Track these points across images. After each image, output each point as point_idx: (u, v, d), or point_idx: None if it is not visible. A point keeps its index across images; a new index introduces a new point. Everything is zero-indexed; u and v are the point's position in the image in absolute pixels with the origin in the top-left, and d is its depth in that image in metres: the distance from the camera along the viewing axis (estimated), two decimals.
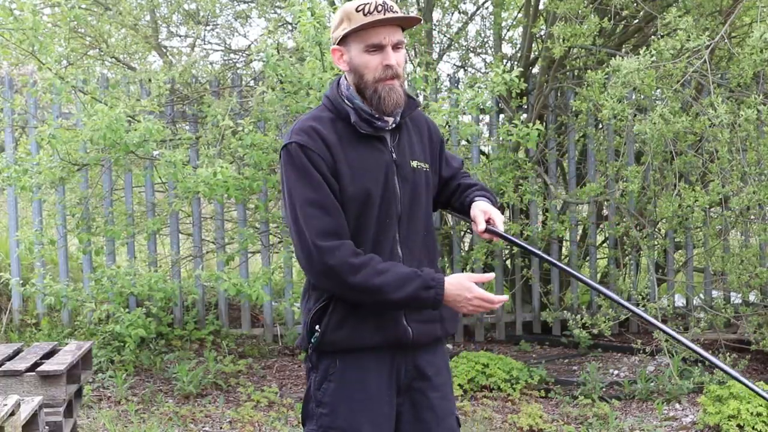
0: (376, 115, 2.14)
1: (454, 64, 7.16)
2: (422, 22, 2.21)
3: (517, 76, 4.53)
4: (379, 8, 2.06)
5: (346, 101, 2.16)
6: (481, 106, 4.86)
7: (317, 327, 2.15)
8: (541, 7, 5.85)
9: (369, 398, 2.17)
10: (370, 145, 2.16)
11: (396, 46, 2.11)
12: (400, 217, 2.17)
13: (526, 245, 2.35)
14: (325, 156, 2.09)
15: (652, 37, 5.53)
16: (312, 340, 2.16)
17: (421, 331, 2.18)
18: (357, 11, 2.07)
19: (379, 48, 2.09)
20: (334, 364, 2.16)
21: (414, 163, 2.21)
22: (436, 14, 6.65)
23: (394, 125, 2.18)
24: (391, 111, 2.13)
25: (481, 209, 2.24)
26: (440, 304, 2.09)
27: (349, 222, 2.10)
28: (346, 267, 2.04)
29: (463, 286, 2.08)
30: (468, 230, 6.08)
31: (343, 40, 2.13)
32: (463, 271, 5.56)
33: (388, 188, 2.15)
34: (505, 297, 2.20)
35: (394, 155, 2.18)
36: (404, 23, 2.14)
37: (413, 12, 6.38)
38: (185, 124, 5.80)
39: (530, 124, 4.77)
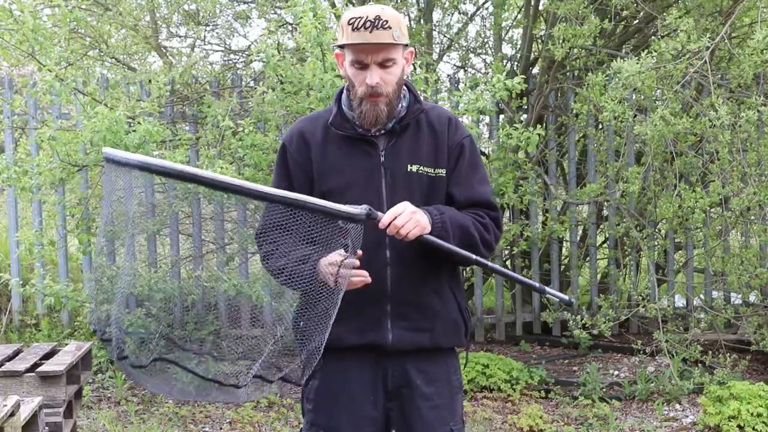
0: (358, 122, 2.16)
1: (455, 65, 7.17)
2: (406, 47, 2.15)
3: (518, 83, 4.51)
4: (368, 24, 2.04)
5: (343, 105, 2.19)
6: (481, 109, 4.86)
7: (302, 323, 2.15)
8: (541, 7, 5.85)
9: (350, 398, 2.18)
10: (356, 147, 2.17)
11: (383, 64, 2.08)
12: None
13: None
14: (299, 156, 2.19)
15: (653, 37, 5.54)
16: None
17: (403, 338, 2.16)
18: (349, 24, 2.06)
19: (363, 65, 2.09)
20: (320, 361, 2.16)
21: (412, 167, 2.15)
22: (436, 15, 6.66)
23: (382, 131, 2.16)
24: (369, 127, 2.15)
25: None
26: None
27: None
28: (262, 252, 2.18)
29: (326, 259, 2.00)
30: None
31: (341, 47, 2.14)
32: (462, 275, 5.55)
33: (371, 190, 2.12)
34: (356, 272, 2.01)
35: (382, 158, 2.15)
36: (385, 49, 2.07)
37: (413, 12, 6.38)
38: (185, 124, 5.79)
39: (530, 128, 4.76)
